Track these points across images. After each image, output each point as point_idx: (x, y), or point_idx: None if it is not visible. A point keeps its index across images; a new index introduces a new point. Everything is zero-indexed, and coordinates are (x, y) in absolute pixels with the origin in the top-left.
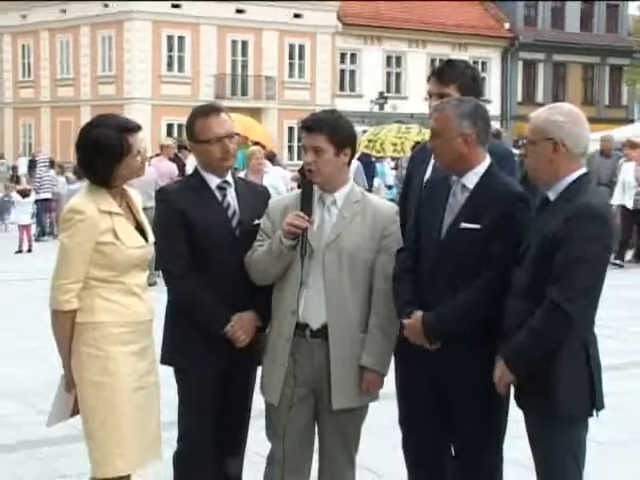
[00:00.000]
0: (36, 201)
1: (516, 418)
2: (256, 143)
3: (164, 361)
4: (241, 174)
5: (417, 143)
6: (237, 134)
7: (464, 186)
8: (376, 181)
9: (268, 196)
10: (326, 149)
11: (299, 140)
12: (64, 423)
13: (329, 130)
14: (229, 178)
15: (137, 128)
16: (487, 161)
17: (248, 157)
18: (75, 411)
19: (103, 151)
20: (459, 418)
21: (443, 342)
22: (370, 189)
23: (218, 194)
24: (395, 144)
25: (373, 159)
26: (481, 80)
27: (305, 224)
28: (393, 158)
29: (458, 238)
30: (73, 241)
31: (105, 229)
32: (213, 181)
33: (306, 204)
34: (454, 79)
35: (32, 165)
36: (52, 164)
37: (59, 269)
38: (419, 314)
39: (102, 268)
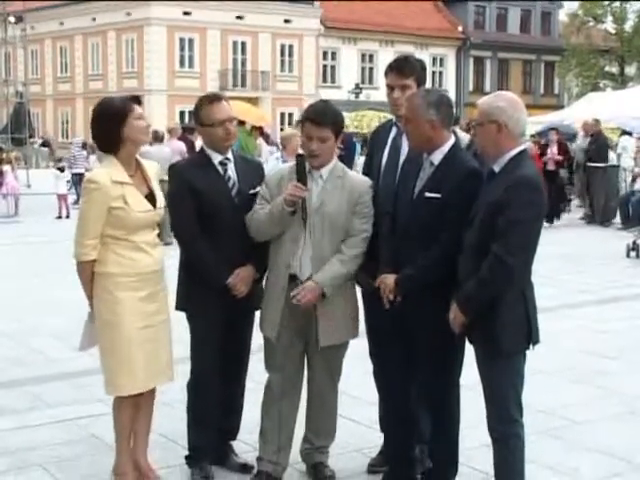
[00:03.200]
0: (73, 175)
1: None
2: (254, 127)
3: (178, 307)
4: (277, 155)
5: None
6: (235, 119)
7: (431, 162)
8: (357, 157)
9: (262, 169)
10: (330, 138)
11: (289, 124)
12: (95, 357)
13: (332, 122)
14: (229, 155)
15: (137, 100)
16: (451, 141)
17: (286, 139)
18: None
19: (110, 114)
20: (423, 352)
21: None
22: (351, 166)
23: (220, 169)
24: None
25: (354, 140)
26: (426, 69)
27: (304, 194)
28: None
29: (423, 204)
30: (89, 205)
31: (116, 196)
32: (216, 158)
33: (302, 176)
34: (412, 72)
35: (44, 145)
36: (84, 145)
37: (79, 228)
38: (392, 277)
39: (114, 227)
